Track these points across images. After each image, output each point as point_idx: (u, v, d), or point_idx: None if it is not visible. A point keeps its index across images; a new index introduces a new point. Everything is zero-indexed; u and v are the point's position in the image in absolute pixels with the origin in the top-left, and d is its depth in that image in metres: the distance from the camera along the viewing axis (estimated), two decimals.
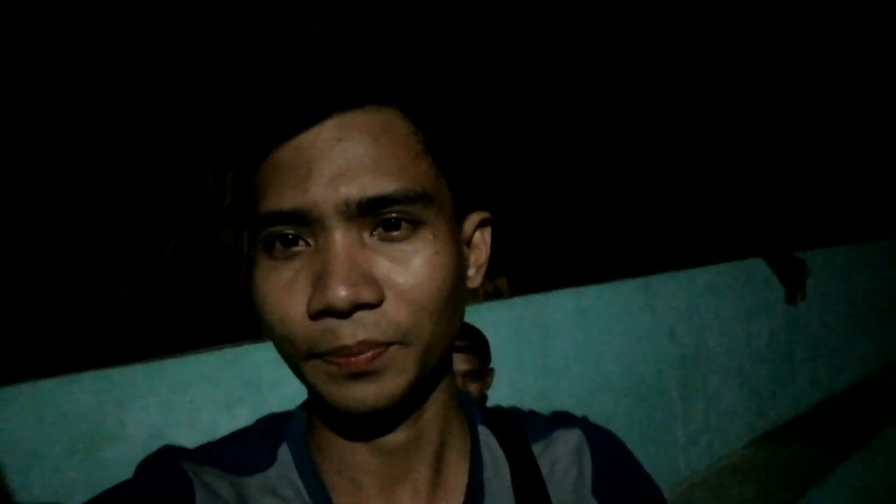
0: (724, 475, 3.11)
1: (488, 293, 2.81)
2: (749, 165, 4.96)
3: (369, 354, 0.47)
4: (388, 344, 0.47)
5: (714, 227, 4.64)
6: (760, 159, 5.03)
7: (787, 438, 3.97)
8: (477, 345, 1.69)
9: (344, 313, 0.46)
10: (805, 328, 4.61)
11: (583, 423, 0.66)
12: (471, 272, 0.57)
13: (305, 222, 0.47)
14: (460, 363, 1.76)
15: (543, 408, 1.33)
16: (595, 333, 2.99)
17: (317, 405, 0.55)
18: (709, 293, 3.67)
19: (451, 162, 0.53)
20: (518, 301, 2.58)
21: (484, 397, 1.73)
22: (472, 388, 1.66)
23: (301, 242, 0.49)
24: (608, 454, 0.64)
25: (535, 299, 2.71)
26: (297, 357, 0.49)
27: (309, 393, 0.55)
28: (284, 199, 0.47)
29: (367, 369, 0.47)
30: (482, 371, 1.68)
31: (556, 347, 2.71)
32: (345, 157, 0.47)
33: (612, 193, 4.20)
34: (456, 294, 0.51)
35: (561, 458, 0.62)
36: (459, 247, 0.54)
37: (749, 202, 4.91)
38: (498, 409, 0.65)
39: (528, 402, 2.14)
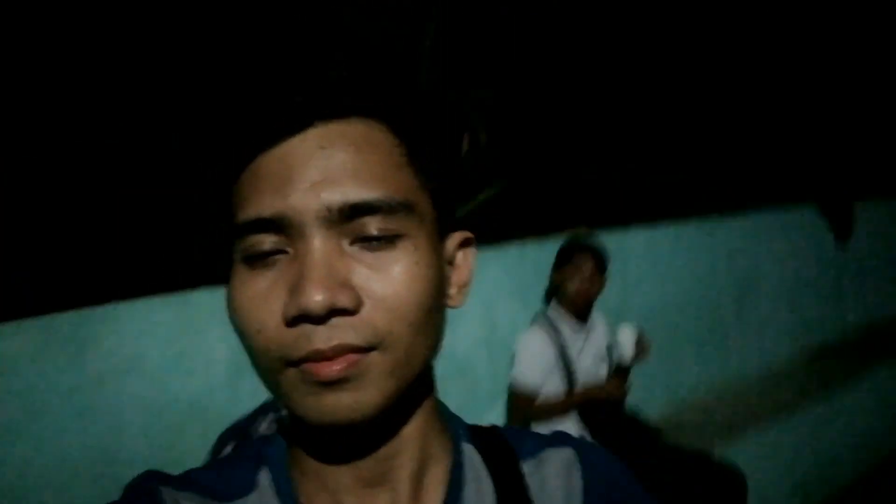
0: (770, 380, 3.65)
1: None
2: (807, 115, 5.26)
3: (344, 362, 0.46)
4: (364, 349, 0.46)
5: (773, 172, 5.03)
6: (818, 109, 5.30)
7: (830, 354, 4.51)
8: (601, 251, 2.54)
9: (319, 318, 0.45)
10: (853, 262, 5.09)
11: (576, 443, 0.64)
12: (452, 291, 0.56)
13: (284, 230, 0.47)
14: (585, 261, 2.63)
15: (621, 317, 2.09)
16: (663, 261, 3.67)
17: (295, 427, 0.54)
18: (764, 232, 4.22)
19: (435, 177, 0.53)
20: (601, 233, 3.26)
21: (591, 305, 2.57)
22: (594, 290, 2.54)
23: (279, 252, 0.48)
24: (601, 473, 0.62)
25: (616, 232, 3.38)
26: (273, 368, 0.48)
27: (288, 415, 0.54)
28: (264, 206, 0.47)
29: (341, 377, 0.46)
30: (602, 277, 2.53)
31: (631, 270, 3.40)
32: (327, 165, 0.47)
33: (679, 137, 4.58)
34: (435, 308, 0.51)
35: (550, 477, 0.60)
36: (441, 262, 0.53)
37: (807, 150, 5.24)
38: (489, 428, 0.64)
39: (610, 313, 2.86)
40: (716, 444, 3.25)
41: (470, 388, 3.00)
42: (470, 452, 0.59)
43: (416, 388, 0.52)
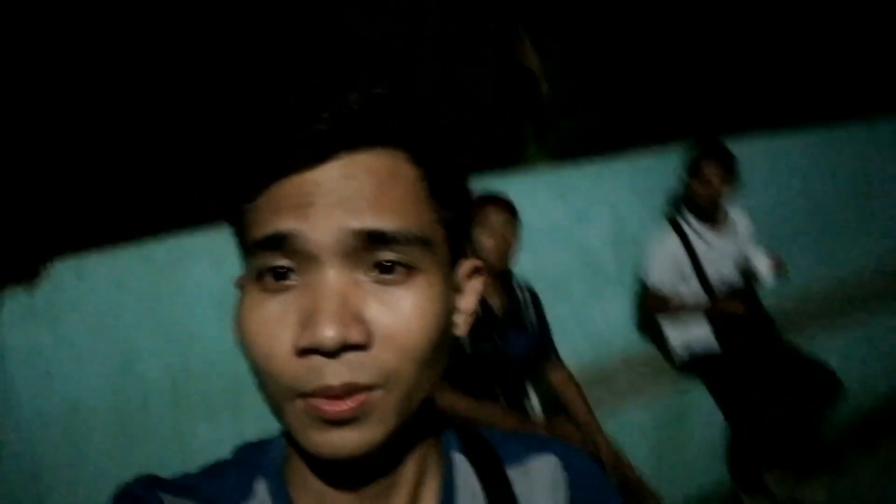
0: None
1: None
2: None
3: (352, 402, 0.47)
4: (370, 387, 0.47)
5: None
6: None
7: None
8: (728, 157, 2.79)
9: (331, 353, 0.46)
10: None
11: (557, 447, 0.65)
12: (458, 319, 0.56)
13: (300, 251, 0.47)
14: (712, 166, 2.85)
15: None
16: (784, 167, 3.80)
17: (294, 442, 0.52)
18: (885, 139, 4.11)
19: (451, 209, 0.53)
20: (727, 139, 3.44)
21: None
22: (721, 194, 2.82)
23: (293, 276, 0.48)
24: (584, 479, 0.64)
25: (739, 139, 3.56)
26: (280, 397, 0.48)
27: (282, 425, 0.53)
28: (282, 222, 0.47)
29: (344, 418, 0.47)
30: (730, 182, 2.74)
31: (754, 176, 3.59)
32: (348, 193, 0.47)
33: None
34: (443, 342, 0.51)
35: (537, 485, 0.62)
36: (451, 295, 0.53)
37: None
38: (476, 434, 0.65)
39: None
40: (824, 339, 3.45)
41: (596, 282, 3.36)
42: (460, 462, 0.61)
43: (418, 414, 0.52)
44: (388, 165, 0.49)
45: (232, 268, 0.55)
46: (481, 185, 2.64)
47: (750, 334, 3.04)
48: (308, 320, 0.46)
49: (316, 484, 0.54)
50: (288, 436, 0.56)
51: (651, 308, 3.19)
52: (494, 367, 2.47)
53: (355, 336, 0.46)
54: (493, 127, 3.65)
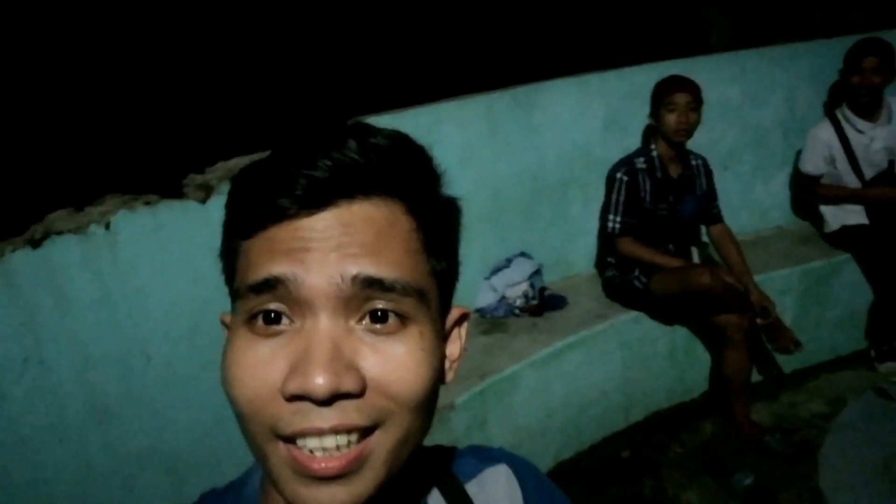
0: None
1: None
2: None
3: (342, 459, 0.45)
4: (362, 429, 0.46)
5: None
6: None
7: None
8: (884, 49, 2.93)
9: (322, 401, 0.44)
10: None
11: (508, 458, 0.67)
12: (445, 367, 0.55)
13: (294, 295, 0.46)
14: (867, 59, 3.10)
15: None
16: None
17: (272, 486, 0.51)
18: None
19: (444, 261, 0.53)
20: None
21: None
22: (876, 84, 3.03)
23: (285, 321, 0.47)
24: (532, 484, 0.67)
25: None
26: (262, 438, 0.47)
27: (264, 471, 0.51)
28: (277, 266, 0.46)
29: (333, 475, 0.45)
30: (885, 73, 3.00)
31: None
32: (346, 240, 0.46)
33: None
34: (435, 391, 0.51)
35: (493, 493, 0.64)
36: (442, 344, 0.53)
37: None
38: (436, 455, 0.66)
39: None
40: None
41: (765, 155, 3.72)
42: (434, 498, 0.61)
43: (405, 465, 0.51)
44: (386, 215, 0.49)
45: None
46: (669, 69, 3.06)
47: None
48: (299, 366, 0.45)
49: None
50: (265, 481, 0.56)
51: (803, 188, 3.55)
52: (668, 224, 3.01)
53: (348, 385, 0.45)
54: (680, 14, 3.92)
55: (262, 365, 0.46)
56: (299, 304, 0.46)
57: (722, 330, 2.86)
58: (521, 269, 3.12)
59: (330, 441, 0.46)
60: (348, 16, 4.69)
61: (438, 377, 0.52)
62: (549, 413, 2.89)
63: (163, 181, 2.24)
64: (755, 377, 3.20)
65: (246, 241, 0.49)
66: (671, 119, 2.85)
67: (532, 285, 3.10)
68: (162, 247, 2.15)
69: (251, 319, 0.48)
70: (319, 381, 0.44)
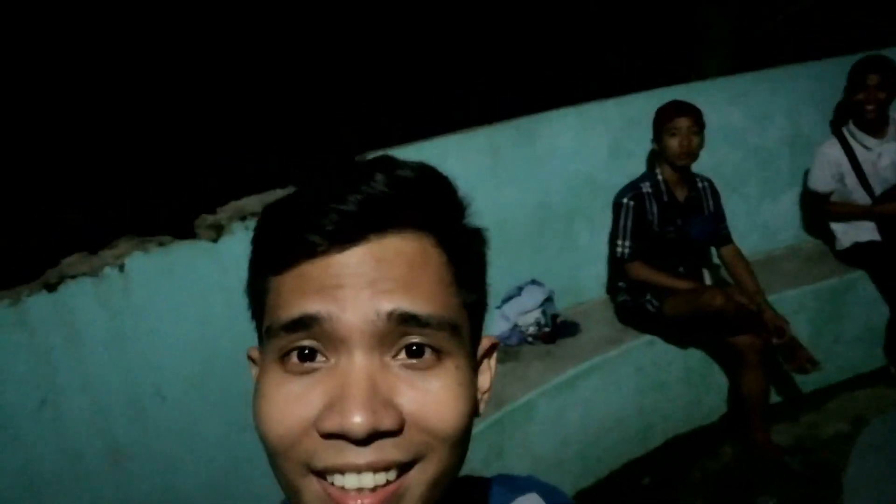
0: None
1: None
2: None
3: (378, 497, 0.45)
4: (401, 464, 0.45)
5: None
6: None
7: None
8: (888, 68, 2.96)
9: (360, 440, 0.43)
10: None
11: (538, 486, 0.67)
12: (479, 398, 0.55)
13: (328, 333, 0.45)
14: (871, 77, 3.11)
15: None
16: None
17: None
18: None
19: (474, 293, 0.53)
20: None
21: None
22: (880, 102, 3.03)
23: (319, 358, 0.46)
24: None
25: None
26: (293, 473, 0.46)
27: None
28: (310, 304, 0.46)
29: None
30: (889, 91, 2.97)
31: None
32: (379, 275, 0.46)
33: None
34: (470, 424, 0.50)
35: None
36: (476, 376, 0.53)
37: None
38: (468, 485, 0.64)
39: None
40: None
41: (772, 177, 3.72)
42: None
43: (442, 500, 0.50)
44: (418, 249, 0.48)
45: None
46: (669, 95, 3.10)
47: None
48: (336, 405, 0.44)
49: None
50: None
51: (812, 207, 3.55)
52: (677, 246, 3.02)
53: (387, 423, 0.44)
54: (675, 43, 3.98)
55: (296, 401, 0.46)
56: (334, 342, 0.46)
57: (737, 351, 2.84)
58: (533, 297, 3.13)
59: (368, 479, 0.45)
60: (350, 54, 4.80)
61: (474, 410, 0.51)
62: (566, 441, 2.86)
63: (175, 222, 2.28)
64: (774, 398, 3.16)
65: (276, 277, 0.49)
66: (674, 143, 2.88)
67: (544, 312, 3.10)
68: (174, 288, 2.18)
69: (284, 357, 0.47)
70: (358, 420, 0.43)
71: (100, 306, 2.03)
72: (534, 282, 3.18)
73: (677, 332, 2.99)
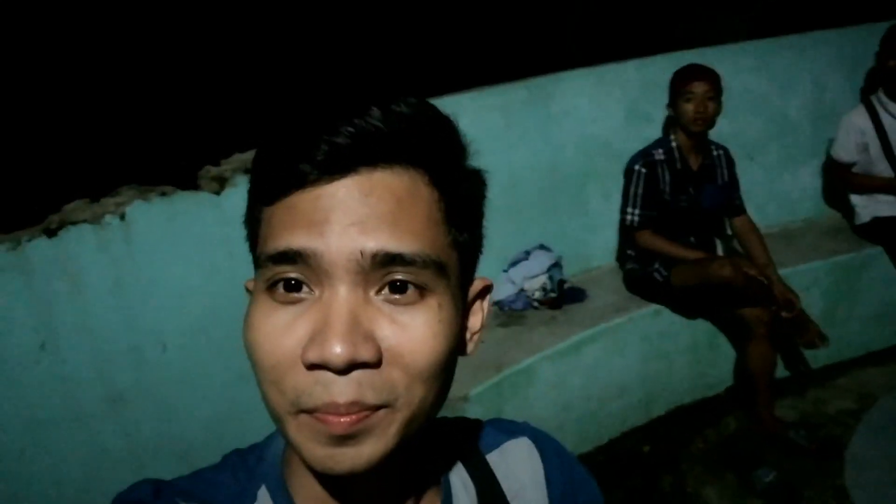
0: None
1: None
2: None
3: (353, 417, 0.46)
4: (375, 407, 0.47)
5: None
6: None
7: None
8: None
9: (340, 370, 0.45)
10: None
11: (531, 432, 0.69)
12: (466, 338, 0.56)
13: (313, 268, 0.46)
14: None
15: None
16: None
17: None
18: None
19: (466, 233, 0.53)
20: None
21: None
22: None
23: (304, 289, 0.47)
24: (555, 459, 0.68)
25: None
26: (284, 409, 0.48)
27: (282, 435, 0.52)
28: (297, 239, 0.46)
29: (348, 432, 0.46)
30: None
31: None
32: (367, 212, 0.46)
33: None
34: (451, 363, 0.51)
35: (514, 465, 0.65)
36: (461, 316, 0.53)
37: None
38: (460, 426, 0.67)
39: None
40: None
41: (793, 147, 3.62)
42: (457, 484, 0.62)
43: (422, 431, 0.51)
44: (408, 185, 0.48)
45: None
46: (689, 58, 3.00)
47: None
48: (318, 336, 0.45)
49: (319, 492, 0.54)
50: (285, 447, 0.58)
51: (834, 176, 3.45)
52: (689, 216, 2.96)
53: (364, 354, 0.45)
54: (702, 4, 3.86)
55: (283, 332, 0.47)
56: (318, 275, 0.47)
57: (745, 323, 2.79)
58: (540, 262, 3.09)
59: (347, 401, 0.46)
60: (364, 8, 4.71)
61: (455, 349, 0.52)
62: (566, 407, 2.85)
63: (178, 173, 2.27)
64: (781, 373, 3.12)
65: (267, 207, 0.49)
66: (689, 109, 2.80)
67: (551, 278, 3.07)
68: (176, 238, 2.18)
69: (272, 287, 0.48)
70: (337, 351, 0.44)
71: (100, 253, 2.04)
72: (542, 246, 3.15)
73: (685, 302, 2.94)
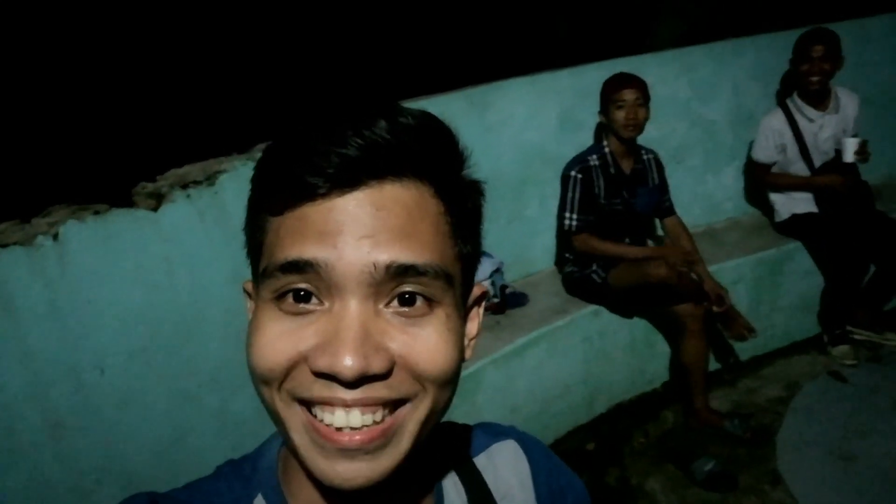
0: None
1: None
2: None
3: (366, 434, 0.46)
4: (391, 402, 0.47)
5: None
6: None
7: None
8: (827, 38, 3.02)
9: (349, 383, 0.45)
10: None
11: (516, 434, 0.70)
12: (467, 345, 0.57)
13: (324, 279, 0.46)
14: (814, 48, 3.14)
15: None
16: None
17: (291, 456, 0.53)
18: None
19: (469, 244, 0.53)
20: (843, 25, 3.63)
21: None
22: (821, 72, 3.08)
23: (313, 300, 0.47)
24: (541, 460, 0.69)
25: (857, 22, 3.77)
26: (279, 402, 0.47)
27: (284, 440, 0.52)
28: (308, 249, 0.46)
29: (360, 447, 0.46)
30: (829, 61, 3.07)
31: (868, 54, 3.83)
32: (378, 224, 0.46)
33: None
34: (458, 370, 0.52)
35: (500, 465, 0.66)
36: (464, 323, 0.54)
37: None
38: (449, 431, 0.67)
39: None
40: None
41: (714, 148, 3.80)
42: (448, 483, 0.63)
43: (426, 440, 0.52)
44: (416, 198, 0.48)
45: None
46: (620, 66, 3.11)
47: (846, 200, 3.39)
48: (328, 346, 0.45)
49: (316, 499, 0.54)
50: (282, 452, 0.58)
51: (755, 177, 3.64)
52: (623, 218, 3.06)
53: (375, 367, 0.45)
54: (627, 14, 4.00)
55: (289, 335, 0.47)
56: (329, 287, 0.46)
57: (679, 319, 2.91)
58: (482, 268, 3.14)
59: (356, 418, 0.46)
60: (305, 22, 4.67)
61: (461, 358, 0.53)
62: (514, 409, 2.90)
63: (112, 190, 2.20)
64: (713, 365, 3.26)
65: (275, 217, 0.49)
66: (620, 115, 2.91)
67: (493, 283, 3.12)
68: (113, 257, 2.11)
69: (279, 297, 0.48)
70: (348, 363, 0.44)
71: (34, 276, 1.95)
72: (483, 253, 3.18)
73: (622, 301, 3.05)
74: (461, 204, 0.53)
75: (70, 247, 2.02)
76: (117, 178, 2.26)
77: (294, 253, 0.46)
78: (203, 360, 2.29)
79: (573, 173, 2.98)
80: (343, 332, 0.45)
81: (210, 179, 2.29)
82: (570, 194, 2.99)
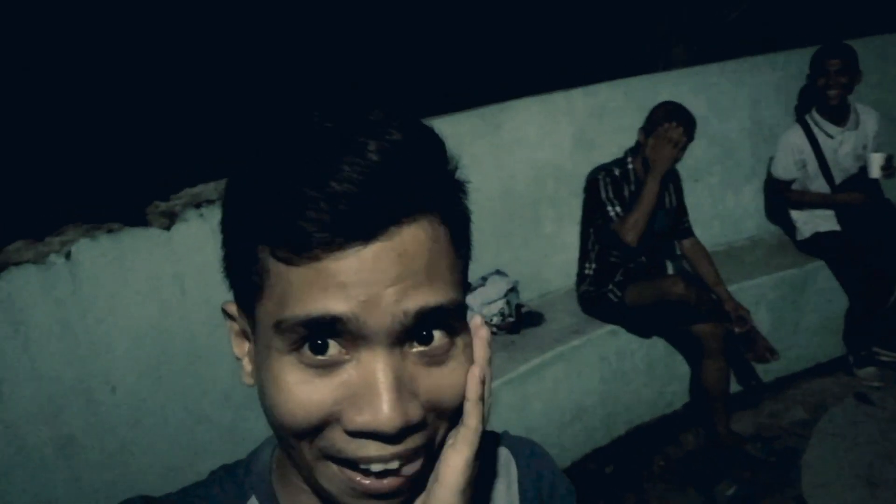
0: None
1: None
2: None
3: (396, 480, 0.46)
4: (415, 451, 0.46)
5: None
6: None
7: None
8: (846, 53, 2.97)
9: (393, 437, 0.43)
10: None
11: (506, 438, 0.69)
12: None
13: (352, 331, 0.44)
14: (832, 63, 3.11)
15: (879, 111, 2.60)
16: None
17: (285, 461, 0.53)
18: None
19: (466, 259, 0.52)
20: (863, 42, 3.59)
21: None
22: (841, 87, 3.07)
23: (332, 350, 0.45)
24: (532, 465, 0.67)
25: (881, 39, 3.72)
26: (308, 456, 0.46)
27: (280, 451, 0.52)
28: (333, 304, 0.43)
29: (391, 491, 0.46)
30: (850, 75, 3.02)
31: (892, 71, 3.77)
32: (402, 272, 0.44)
33: None
34: None
35: (489, 469, 0.65)
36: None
37: None
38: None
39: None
40: None
41: (734, 168, 3.76)
42: None
43: None
44: (431, 233, 0.46)
45: None
46: (634, 84, 3.10)
47: (870, 218, 3.31)
48: (363, 402, 0.44)
49: (313, 502, 0.53)
50: (278, 457, 0.57)
51: (775, 194, 3.58)
52: (640, 238, 3.01)
53: (414, 416, 0.44)
54: (643, 35, 4.00)
55: (315, 391, 0.45)
56: (356, 339, 0.44)
57: (699, 340, 2.85)
58: (497, 287, 3.11)
59: (394, 463, 0.46)
60: (310, 35, 4.72)
61: None
62: (529, 431, 2.85)
63: (126, 209, 2.21)
64: (735, 387, 3.18)
65: (283, 264, 0.45)
66: (666, 152, 2.78)
67: (508, 303, 3.09)
68: (125, 276, 2.12)
69: (297, 348, 0.45)
70: (390, 417, 0.43)
71: (45, 294, 1.97)
72: (498, 272, 3.17)
73: (640, 321, 2.99)
74: (461, 217, 0.51)
75: (82, 265, 2.03)
76: (131, 197, 2.28)
77: (318, 308, 0.43)
78: (215, 378, 2.29)
79: (600, 176, 2.95)
80: (378, 385, 0.44)
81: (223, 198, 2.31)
82: (603, 193, 2.93)
